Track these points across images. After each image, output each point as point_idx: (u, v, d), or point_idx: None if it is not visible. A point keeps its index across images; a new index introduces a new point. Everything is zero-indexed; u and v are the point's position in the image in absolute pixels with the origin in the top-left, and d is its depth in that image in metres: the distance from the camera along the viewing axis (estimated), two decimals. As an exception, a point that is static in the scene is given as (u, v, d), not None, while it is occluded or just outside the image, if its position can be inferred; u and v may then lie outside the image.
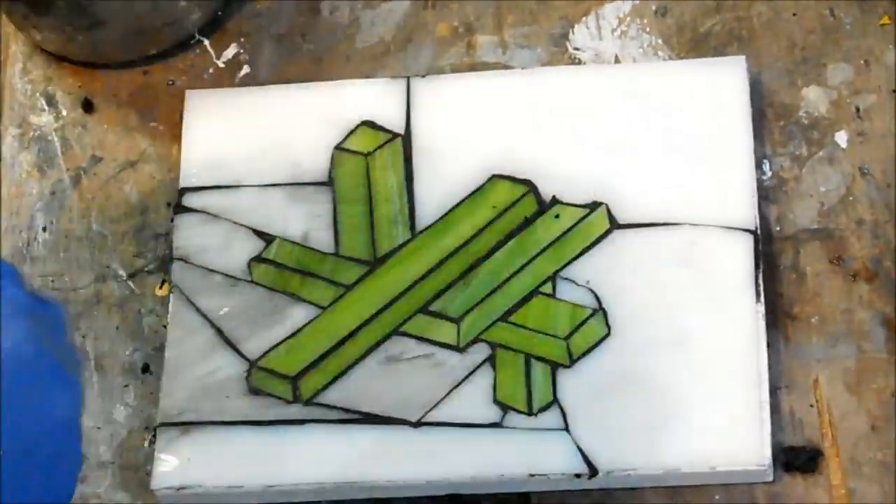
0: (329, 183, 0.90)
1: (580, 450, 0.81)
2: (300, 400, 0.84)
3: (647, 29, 0.93)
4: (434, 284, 0.86)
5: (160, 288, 0.90)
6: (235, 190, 0.90)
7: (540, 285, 0.85)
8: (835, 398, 0.82)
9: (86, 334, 0.89)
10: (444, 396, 0.83)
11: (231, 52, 0.96)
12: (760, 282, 0.83)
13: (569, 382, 0.82)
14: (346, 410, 0.83)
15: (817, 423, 0.82)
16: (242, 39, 0.96)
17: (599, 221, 0.86)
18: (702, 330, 0.82)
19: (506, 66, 0.93)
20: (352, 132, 0.91)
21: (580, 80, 0.90)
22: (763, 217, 0.86)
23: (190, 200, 0.90)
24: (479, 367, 0.84)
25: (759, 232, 0.84)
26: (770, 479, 0.80)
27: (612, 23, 0.93)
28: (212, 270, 0.88)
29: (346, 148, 0.90)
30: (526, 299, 0.85)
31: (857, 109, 0.89)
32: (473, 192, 0.88)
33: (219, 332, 0.86)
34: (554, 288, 0.85)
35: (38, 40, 0.96)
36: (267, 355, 0.85)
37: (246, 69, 0.95)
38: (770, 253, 0.85)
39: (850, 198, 0.87)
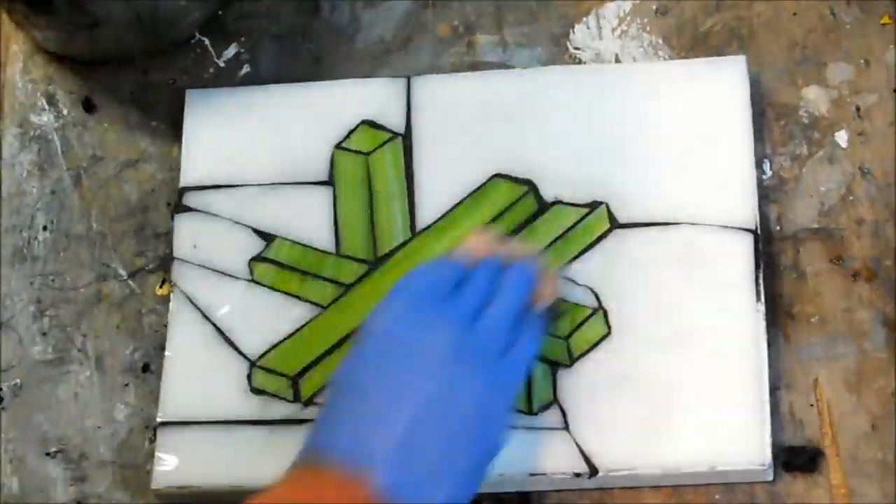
0: (329, 182, 0.90)
1: (580, 449, 0.81)
2: (300, 399, 0.84)
3: (648, 28, 0.93)
4: (434, 284, 0.86)
5: (160, 287, 0.90)
6: (236, 189, 0.90)
7: (540, 285, 0.85)
8: (835, 398, 0.82)
9: (86, 333, 0.89)
10: (445, 396, 0.83)
11: (231, 51, 0.96)
12: (761, 281, 0.83)
13: (569, 382, 0.82)
14: (347, 410, 0.83)
15: (817, 423, 0.82)
16: (243, 39, 0.96)
17: (599, 221, 0.86)
18: (702, 329, 0.82)
19: (506, 66, 0.93)
20: (352, 131, 0.91)
21: (580, 80, 0.90)
22: (763, 216, 0.86)
23: (190, 200, 0.90)
24: (479, 366, 0.84)
25: (759, 231, 0.84)
26: (770, 478, 0.80)
27: (613, 22, 0.93)
28: (212, 270, 0.88)
29: (346, 147, 0.90)
30: (526, 299, 0.85)
31: (858, 109, 0.89)
32: (474, 192, 0.88)
33: (219, 331, 0.86)
34: (554, 287, 0.85)
35: (38, 40, 0.96)
36: (267, 355, 0.85)
37: (246, 68, 0.95)
38: (770, 252, 0.85)
39: (851, 197, 0.87)
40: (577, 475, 0.80)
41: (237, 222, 0.89)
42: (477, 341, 0.74)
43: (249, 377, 0.85)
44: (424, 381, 0.72)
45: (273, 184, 0.90)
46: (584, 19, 0.93)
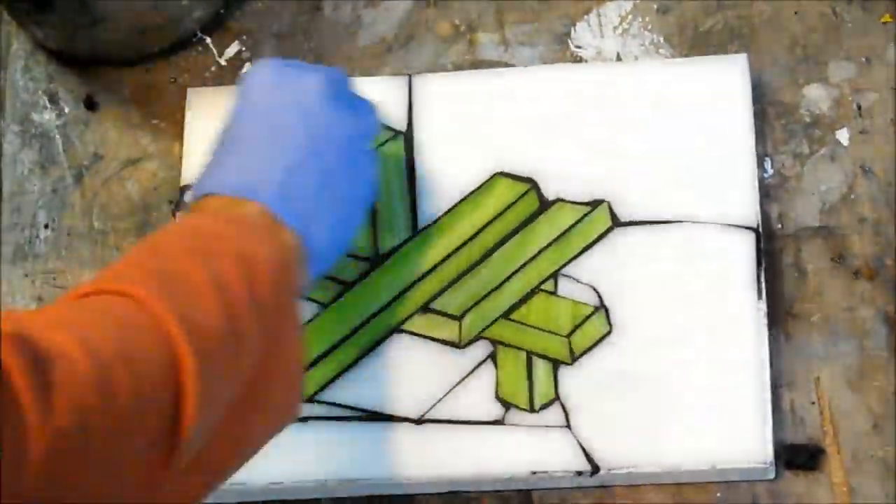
0: (331, 181, 0.90)
1: (582, 447, 0.81)
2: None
3: (649, 27, 0.93)
4: (435, 282, 0.86)
5: (162, 285, 0.90)
6: (237, 187, 0.90)
7: (541, 283, 0.85)
8: (836, 396, 0.82)
9: (88, 332, 0.89)
10: (446, 394, 0.83)
11: (233, 50, 0.96)
12: (762, 279, 0.83)
13: (570, 380, 0.83)
14: (348, 408, 0.83)
15: (819, 421, 0.82)
16: (244, 37, 0.96)
17: (601, 219, 0.86)
18: (703, 328, 0.82)
19: (507, 64, 0.93)
20: (353, 130, 0.91)
21: (582, 79, 0.90)
22: (765, 215, 0.86)
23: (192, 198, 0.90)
24: (480, 364, 0.84)
25: (760, 230, 0.84)
26: (772, 476, 0.80)
27: (614, 21, 0.93)
28: (214, 268, 0.88)
29: (347, 146, 0.90)
30: (527, 297, 0.85)
31: (859, 107, 0.89)
32: (475, 190, 0.88)
33: (220, 329, 0.86)
34: (555, 285, 0.85)
35: (40, 38, 0.96)
36: (269, 353, 0.85)
37: (248, 67, 0.95)
38: (771, 251, 0.85)
39: (852, 196, 0.87)
40: (579, 473, 0.80)
41: (239, 220, 0.89)
42: (343, 91, 0.79)
43: (251, 375, 0.85)
44: (300, 119, 0.76)
45: (274, 182, 0.90)
46: (586, 18, 0.93)
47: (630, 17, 0.93)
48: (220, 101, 0.92)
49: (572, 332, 0.83)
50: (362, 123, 0.80)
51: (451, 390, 0.83)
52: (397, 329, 0.85)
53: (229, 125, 0.78)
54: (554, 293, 0.85)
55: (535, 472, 0.81)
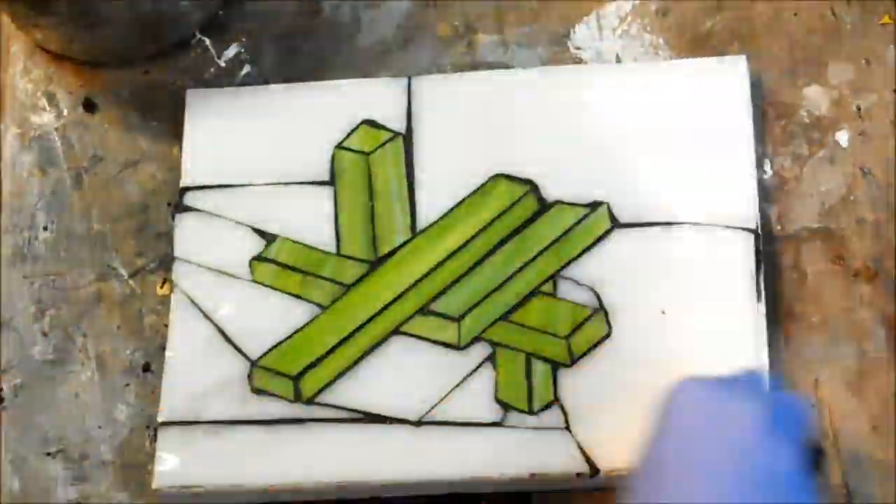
0: (330, 182, 0.90)
1: (581, 449, 0.81)
2: (301, 399, 0.84)
3: (648, 28, 0.93)
4: (435, 284, 0.86)
5: (161, 287, 0.90)
6: (236, 189, 0.90)
7: (541, 285, 0.85)
8: (836, 398, 0.82)
9: (87, 333, 0.89)
10: (446, 396, 0.83)
11: (232, 51, 0.96)
12: (761, 281, 0.83)
13: (569, 382, 0.82)
14: (348, 410, 0.83)
15: (818, 423, 0.82)
16: (244, 39, 0.96)
17: (600, 221, 0.86)
18: (702, 329, 0.82)
19: (507, 66, 0.93)
20: (353, 131, 0.91)
21: (581, 80, 0.90)
22: (764, 216, 0.86)
23: (191, 200, 0.90)
24: (479, 366, 0.84)
25: (759, 231, 0.84)
26: (771, 478, 0.80)
27: (613, 22, 0.93)
28: (213, 269, 0.88)
29: (347, 147, 0.90)
30: (527, 299, 0.85)
31: (858, 109, 0.89)
32: (474, 192, 0.88)
33: (220, 331, 0.86)
34: (555, 287, 0.85)
35: (39, 40, 0.96)
36: (268, 354, 0.85)
37: (247, 69, 0.95)
38: (771, 252, 0.85)
39: (851, 197, 0.87)
40: (579, 475, 0.80)
41: (238, 222, 0.89)
42: (780, 413, 0.71)
43: (250, 377, 0.85)
44: (727, 456, 0.68)
45: (274, 183, 0.90)
46: (585, 19, 0.93)
47: (629, 18, 0.93)
48: (220, 102, 0.93)
49: (572, 333, 0.83)
50: (797, 451, 0.69)
51: (450, 392, 0.83)
52: (397, 331, 0.85)
53: (650, 449, 0.72)
54: (553, 295, 0.85)
55: (534, 475, 0.81)
